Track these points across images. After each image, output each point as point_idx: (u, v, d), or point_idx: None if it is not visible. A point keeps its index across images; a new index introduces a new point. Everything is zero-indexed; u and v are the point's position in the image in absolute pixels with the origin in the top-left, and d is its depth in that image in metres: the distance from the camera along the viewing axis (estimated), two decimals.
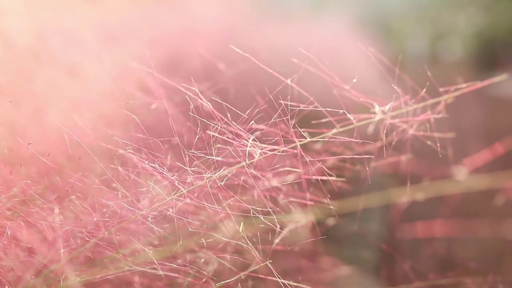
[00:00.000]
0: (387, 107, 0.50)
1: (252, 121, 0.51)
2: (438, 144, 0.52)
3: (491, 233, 0.78)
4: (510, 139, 0.73)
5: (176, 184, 0.50)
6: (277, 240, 0.56)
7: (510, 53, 1.47)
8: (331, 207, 0.54)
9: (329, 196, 0.54)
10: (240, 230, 0.50)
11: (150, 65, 0.56)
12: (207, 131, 0.51)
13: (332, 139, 0.50)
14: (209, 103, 0.51)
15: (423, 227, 0.79)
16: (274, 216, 0.51)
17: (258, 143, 0.50)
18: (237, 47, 0.55)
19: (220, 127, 0.50)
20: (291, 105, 0.49)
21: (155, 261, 0.51)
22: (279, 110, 0.49)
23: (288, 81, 0.51)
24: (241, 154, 0.50)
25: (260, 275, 0.54)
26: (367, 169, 0.53)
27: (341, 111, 0.50)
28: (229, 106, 0.52)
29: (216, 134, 0.50)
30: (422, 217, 0.80)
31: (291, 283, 0.50)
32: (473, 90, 0.51)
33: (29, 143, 0.53)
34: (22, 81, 0.66)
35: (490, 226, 0.78)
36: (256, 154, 0.49)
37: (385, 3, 1.56)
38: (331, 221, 0.62)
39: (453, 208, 0.74)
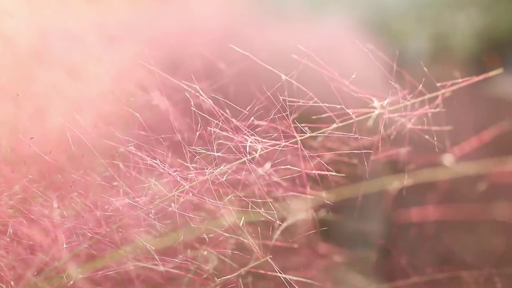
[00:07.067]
0: (386, 102, 0.50)
1: (252, 117, 0.51)
2: (435, 138, 0.53)
3: (482, 216, 0.78)
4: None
5: (178, 179, 0.51)
6: (276, 235, 0.56)
7: (510, 53, 1.47)
8: (328, 202, 0.55)
9: (326, 190, 0.55)
10: (241, 224, 0.51)
11: (151, 64, 0.56)
12: (208, 128, 0.51)
13: (331, 134, 0.50)
14: (209, 100, 0.51)
15: (416, 213, 0.80)
16: (274, 211, 0.52)
17: (259, 139, 0.50)
18: (237, 46, 0.56)
19: (221, 123, 0.51)
20: (290, 101, 0.50)
21: (156, 257, 0.51)
22: (278, 106, 0.50)
23: (284, 77, 0.52)
24: (242, 150, 0.50)
25: (261, 271, 0.54)
26: (366, 163, 0.53)
27: (339, 107, 0.50)
28: (229, 103, 0.52)
29: (217, 130, 0.51)
30: (414, 204, 0.80)
31: (291, 277, 0.51)
32: (470, 88, 0.51)
33: (31, 138, 0.53)
34: (23, 80, 0.67)
35: (480, 210, 0.78)
36: (257, 150, 0.50)
37: (385, 2, 1.56)
38: (329, 216, 0.62)
39: (444, 194, 0.74)
